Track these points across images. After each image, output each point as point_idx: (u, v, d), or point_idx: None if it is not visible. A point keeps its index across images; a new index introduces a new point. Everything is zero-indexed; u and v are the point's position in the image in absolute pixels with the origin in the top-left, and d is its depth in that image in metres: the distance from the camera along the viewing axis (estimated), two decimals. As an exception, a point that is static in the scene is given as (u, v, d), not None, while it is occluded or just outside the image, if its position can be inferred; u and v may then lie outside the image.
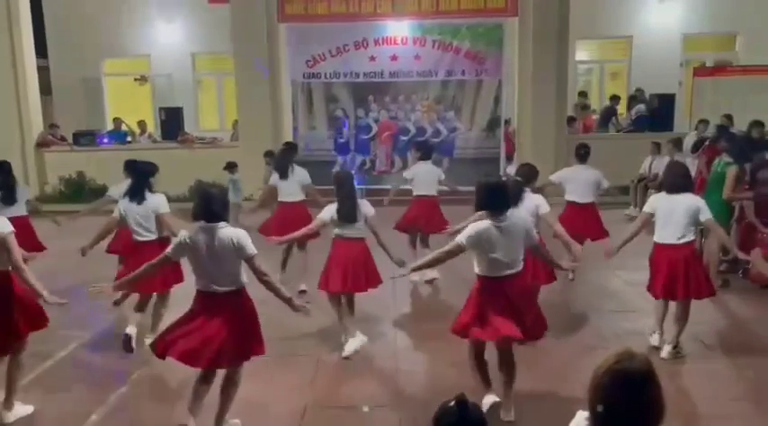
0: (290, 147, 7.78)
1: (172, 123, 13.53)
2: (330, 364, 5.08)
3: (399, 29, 12.49)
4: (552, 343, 5.40)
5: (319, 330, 5.66)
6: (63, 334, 5.49)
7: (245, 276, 3.91)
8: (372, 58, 12.53)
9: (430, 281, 7.21)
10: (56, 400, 4.55)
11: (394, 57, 12.50)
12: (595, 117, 14.01)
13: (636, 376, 1.90)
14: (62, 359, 5.20)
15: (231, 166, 10.38)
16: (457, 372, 4.67)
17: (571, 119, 12.84)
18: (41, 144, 12.89)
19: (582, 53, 15.02)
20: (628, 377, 1.90)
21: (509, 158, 12.44)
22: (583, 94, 14.07)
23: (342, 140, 12.90)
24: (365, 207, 5.26)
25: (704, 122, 10.83)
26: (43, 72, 13.87)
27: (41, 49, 13.76)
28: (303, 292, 6.47)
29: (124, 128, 13.76)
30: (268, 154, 9.39)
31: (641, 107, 13.15)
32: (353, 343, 5.20)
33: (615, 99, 13.80)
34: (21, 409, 4.30)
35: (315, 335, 5.56)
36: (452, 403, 2.04)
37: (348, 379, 4.83)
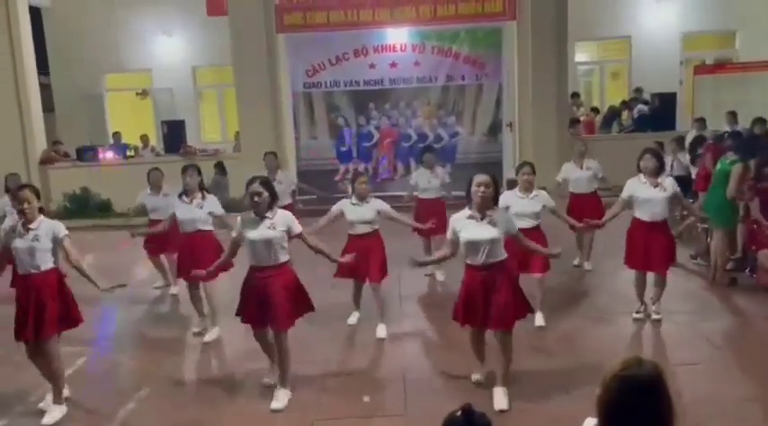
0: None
1: (174, 136, 13.56)
2: (336, 377, 5.05)
3: (398, 36, 12.52)
4: (561, 348, 5.38)
5: (324, 343, 5.64)
6: (69, 351, 5.47)
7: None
8: (372, 66, 12.56)
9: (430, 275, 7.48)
10: (65, 418, 4.52)
11: (393, 64, 12.53)
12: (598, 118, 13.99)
13: (645, 382, 1.87)
14: (69, 377, 5.19)
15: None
16: (465, 380, 4.65)
17: (574, 121, 12.81)
18: (45, 161, 12.93)
19: (581, 54, 15.02)
20: (636, 383, 1.86)
21: None
22: (575, 96, 14.00)
23: (344, 149, 12.92)
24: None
25: (700, 121, 10.82)
26: (45, 89, 13.94)
27: (43, 66, 13.83)
28: None
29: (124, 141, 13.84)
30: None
31: (643, 107, 13.12)
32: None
33: (625, 104, 13.75)
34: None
35: (319, 349, 5.54)
36: (459, 413, 2.02)
37: (354, 391, 4.79)
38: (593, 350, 5.28)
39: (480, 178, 4.30)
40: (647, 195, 5.63)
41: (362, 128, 12.88)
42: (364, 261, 5.67)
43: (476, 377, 4.70)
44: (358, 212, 5.75)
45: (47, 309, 4.40)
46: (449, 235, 4.44)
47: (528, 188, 5.85)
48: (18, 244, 4.42)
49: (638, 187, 5.70)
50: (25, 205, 4.42)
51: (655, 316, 5.85)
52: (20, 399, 4.85)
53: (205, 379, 5.20)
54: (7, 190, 6.66)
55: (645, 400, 1.85)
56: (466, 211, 4.38)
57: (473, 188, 4.29)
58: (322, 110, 12.80)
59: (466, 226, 4.32)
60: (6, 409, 4.70)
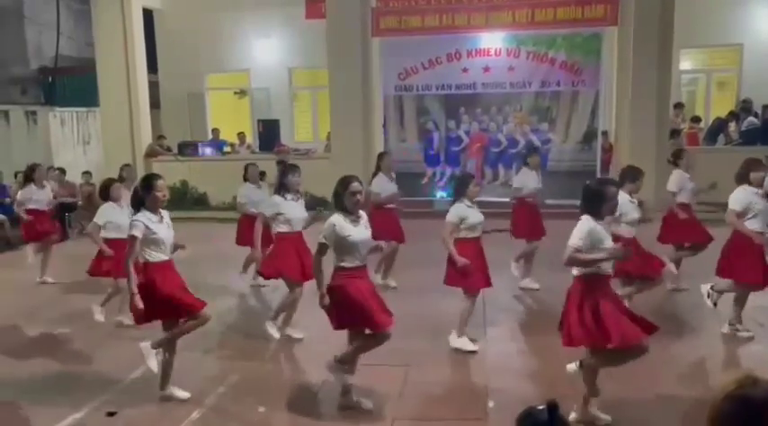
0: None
1: (269, 135, 14.04)
2: (420, 376, 5.04)
3: (493, 40, 12.39)
4: (663, 372, 5.12)
5: (411, 340, 5.63)
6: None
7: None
8: (465, 70, 12.50)
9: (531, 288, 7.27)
10: (156, 401, 4.73)
11: (487, 69, 12.41)
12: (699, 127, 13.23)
13: (761, 403, 1.72)
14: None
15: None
16: (548, 391, 4.52)
17: (675, 132, 12.19)
18: (150, 154, 13.73)
19: (686, 62, 14.28)
20: (752, 404, 1.72)
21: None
22: (679, 106, 13.30)
23: (432, 152, 12.92)
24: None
25: None
26: (153, 87, 14.79)
27: (152, 65, 14.68)
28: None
29: (222, 138, 14.47)
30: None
31: (753, 120, 12.31)
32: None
33: (733, 114, 12.96)
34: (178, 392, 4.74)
35: (406, 346, 5.53)
36: (542, 407, 1.89)
37: (437, 392, 4.78)
38: (696, 377, 5.01)
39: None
40: (764, 206, 5.30)
41: (451, 132, 12.84)
42: (479, 265, 5.43)
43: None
44: (476, 215, 5.44)
45: (179, 289, 4.60)
46: (584, 243, 3.97)
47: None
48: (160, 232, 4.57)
49: (753, 197, 5.31)
50: (166, 193, 4.63)
51: (747, 334, 5.57)
52: (121, 376, 5.13)
53: (290, 372, 5.32)
54: (121, 180, 7.03)
55: (760, 422, 1.71)
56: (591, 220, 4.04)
57: (610, 203, 4.09)
58: (412, 113, 12.87)
59: (601, 232, 4.04)
60: (108, 385, 4.99)
